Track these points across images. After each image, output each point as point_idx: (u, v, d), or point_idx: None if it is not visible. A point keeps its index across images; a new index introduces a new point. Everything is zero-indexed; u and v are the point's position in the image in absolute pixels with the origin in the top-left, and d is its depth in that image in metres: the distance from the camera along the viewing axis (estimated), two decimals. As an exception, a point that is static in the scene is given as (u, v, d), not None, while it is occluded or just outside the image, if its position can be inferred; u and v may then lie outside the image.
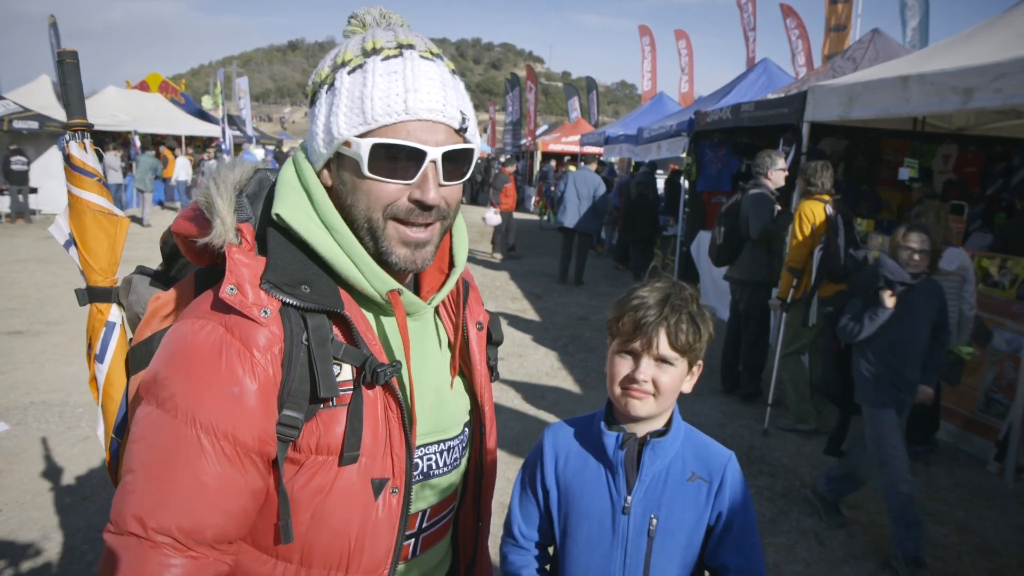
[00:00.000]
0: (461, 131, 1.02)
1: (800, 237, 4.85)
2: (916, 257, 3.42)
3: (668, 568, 1.31)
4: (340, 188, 1.02)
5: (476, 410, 1.24)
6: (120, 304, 1.28)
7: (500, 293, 9.82)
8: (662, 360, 1.27)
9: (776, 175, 5.58)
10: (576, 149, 19.80)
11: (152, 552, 0.88)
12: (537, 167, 23.36)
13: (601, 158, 15.74)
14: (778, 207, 5.45)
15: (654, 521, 1.30)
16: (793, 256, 4.92)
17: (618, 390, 1.30)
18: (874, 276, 3.50)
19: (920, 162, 7.10)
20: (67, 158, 1.29)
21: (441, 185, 1.01)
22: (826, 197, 4.87)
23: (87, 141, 1.30)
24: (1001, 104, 4.23)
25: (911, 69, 4.98)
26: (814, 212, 4.83)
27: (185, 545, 0.90)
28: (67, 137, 1.30)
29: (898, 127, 7.86)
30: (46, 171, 15.44)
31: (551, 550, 1.48)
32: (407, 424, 1.03)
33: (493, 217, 12.83)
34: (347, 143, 0.98)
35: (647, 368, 1.26)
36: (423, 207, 1.00)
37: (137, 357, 1.12)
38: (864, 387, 3.52)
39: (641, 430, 1.33)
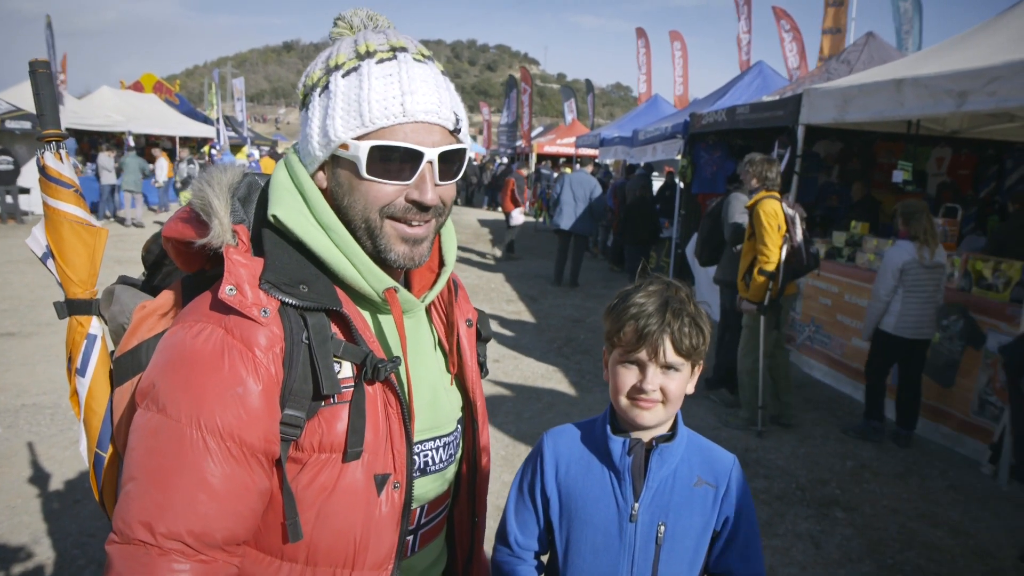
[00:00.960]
0: (454, 132, 1.03)
1: (772, 236, 4.65)
2: None
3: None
4: (336, 190, 1.03)
5: (468, 406, 1.25)
6: (101, 316, 1.27)
7: (495, 295, 9.80)
8: (669, 367, 1.24)
9: None
10: (572, 151, 19.82)
11: (160, 559, 0.87)
12: (532, 168, 23.35)
13: (596, 160, 15.76)
14: None
15: (662, 528, 1.28)
16: (767, 258, 4.70)
17: (625, 401, 1.27)
18: None
19: (914, 165, 7.13)
20: (42, 169, 1.25)
21: (437, 185, 1.02)
22: (777, 193, 4.82)
23: (63, 151, 1.27)
24: (994, 107, 4.26)
25: (906, 72, 5.00)
26: (775, 210, 4.69)
27: (195, 549, 0.89)
28: (42, 148, 1.26)
29: (892, 130, 7.90)
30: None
31: (545, 559, 1.46)
32: (407, 419, 1.05)
33: (518, 216, 13.11)
34: (344, 145, 0.99)
35: (654, 377, 1.24)
36: (421, 207, 1.02)
37: (122, 368, 1.11)
38: None
39: (647, 435, 1.31)
